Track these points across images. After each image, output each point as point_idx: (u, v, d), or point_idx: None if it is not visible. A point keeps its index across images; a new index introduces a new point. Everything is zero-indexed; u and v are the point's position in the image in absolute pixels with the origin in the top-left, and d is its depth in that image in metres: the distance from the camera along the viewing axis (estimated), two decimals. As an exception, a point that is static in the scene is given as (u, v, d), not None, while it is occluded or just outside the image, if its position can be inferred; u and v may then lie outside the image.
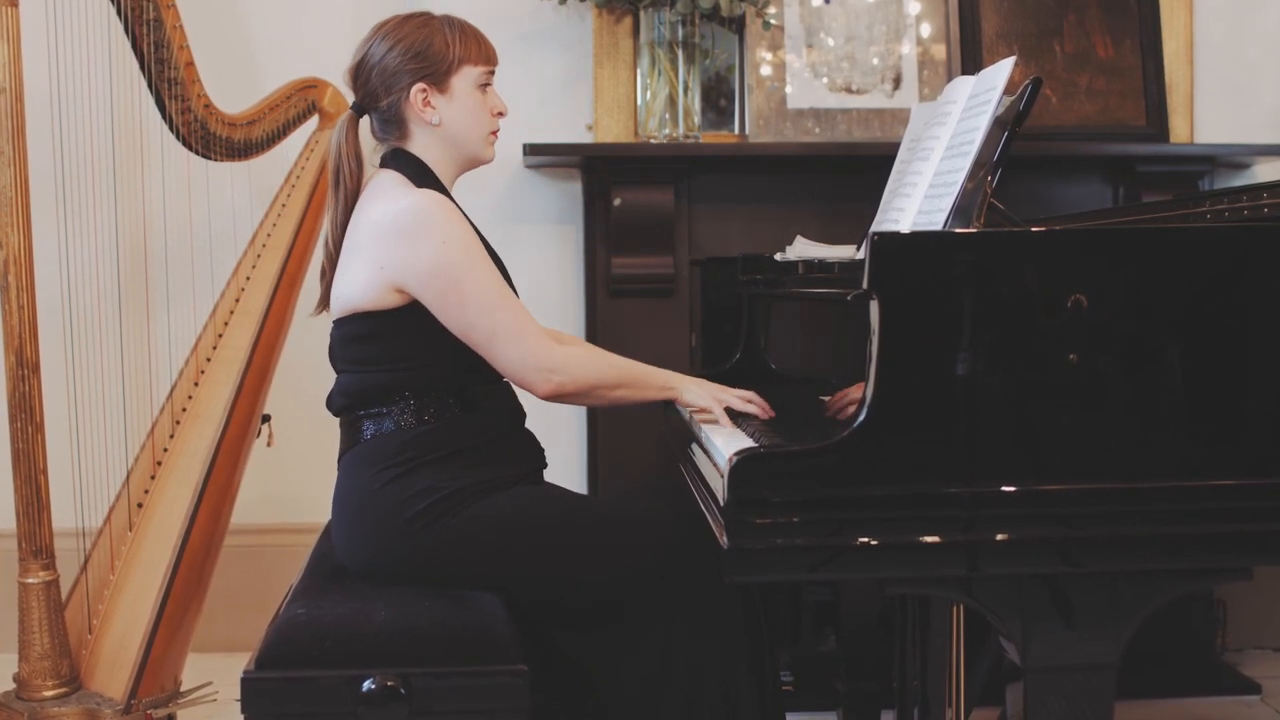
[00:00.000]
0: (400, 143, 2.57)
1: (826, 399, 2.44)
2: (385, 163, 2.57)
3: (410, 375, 2.43)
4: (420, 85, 2.50)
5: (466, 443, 2.42)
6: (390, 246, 2.38)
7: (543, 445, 2.61)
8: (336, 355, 2.53)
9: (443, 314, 2.39)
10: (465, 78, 2.52)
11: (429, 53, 2.50)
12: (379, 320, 2.42)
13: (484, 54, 2.56)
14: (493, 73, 2.58)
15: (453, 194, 2.56)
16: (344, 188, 2.55)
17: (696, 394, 2.51)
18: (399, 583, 2.38)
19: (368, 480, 2.40)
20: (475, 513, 2.36)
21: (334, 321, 2.52)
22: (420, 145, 2.55)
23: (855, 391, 2.32)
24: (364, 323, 2.44)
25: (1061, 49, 3.75)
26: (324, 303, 2.59)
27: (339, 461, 2.51)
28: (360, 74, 2.55)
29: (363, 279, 2.42)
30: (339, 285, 2.48)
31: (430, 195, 2.43)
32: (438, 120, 2.52)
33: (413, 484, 2.37)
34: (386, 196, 2.45)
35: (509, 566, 2.38)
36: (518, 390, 2.55)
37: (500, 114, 2.60)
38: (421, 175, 2.52)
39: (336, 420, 2.55)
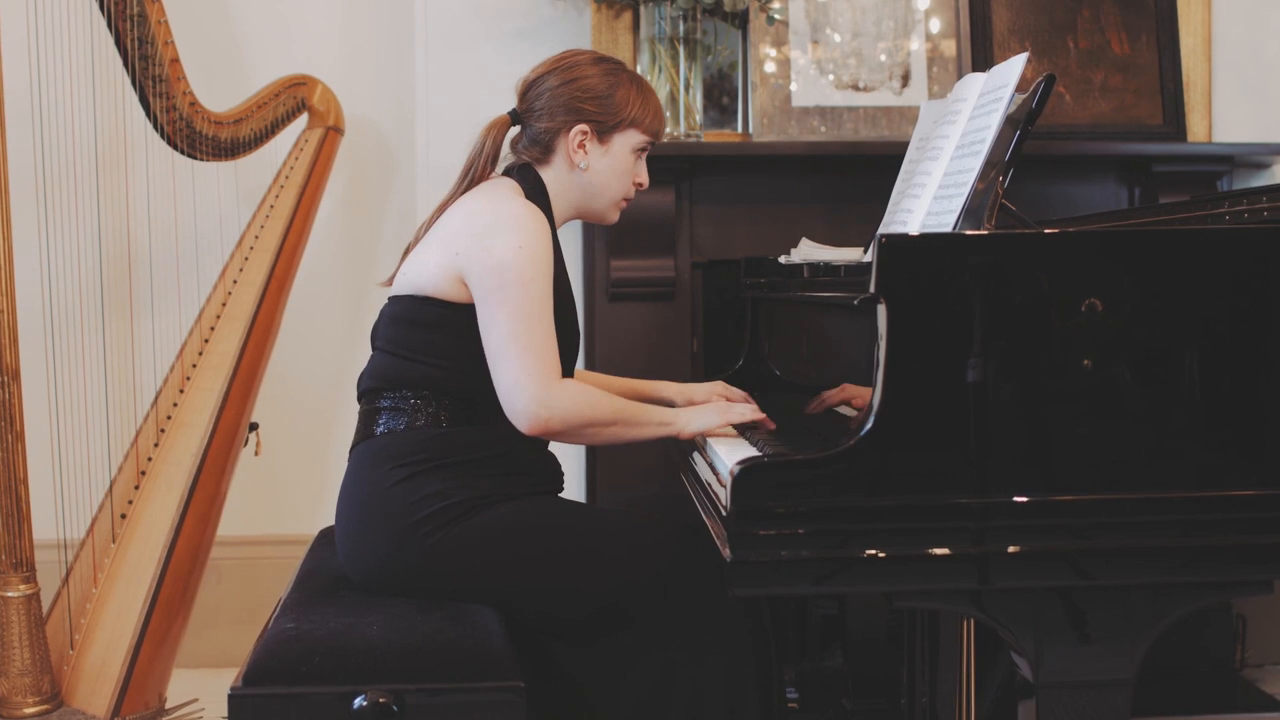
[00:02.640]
0: (536, 165, 2.63)
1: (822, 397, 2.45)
2: (510, 173, 2.64)
3: (438, 374, 2.45)
4: (583, 127, 2.56)
5: (482, 453, 2.44)
6: (471, 237, 2.44)
7: (559, 464, 2.63)
8: (379, 332, 2.57)
9: (480, 310, 2.42)
10: (628, 139, 2.60)
11: (607, 102, 2.57)
12: (432, 308, 2.46)
13: (655, 125, 2.63)
14: (652, 144, 2.65)
15: (557, 232, 2.61)
16: (468, 183, 2.62)
17: (701, 424, 2.52)
18: (398, 587, 2.39)
19: (379, 477, 2.42)
20: (481, 521, 2.37)
21: (389, 297, 2.57)
22: (553, 177, 2.62)
23: (851, 392, 2.33)
24: (417, 306, 2.48)
25: (1075, 45, 3.76)
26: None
27: (351, 451, 2.54)
28: (531, 90, 2.62)
29: (434, 262, 2.47)
30: (410, 264, 2.54)
31: (533, 208, 2.49)
32: (585, 165, 2.58)
33: (423, 487, 2.39)
34: (495, 197, 2.52)
35: (510, 575, 2.38)
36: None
37: (640, 185, 2.67)
38: (536, 196, 2.57)
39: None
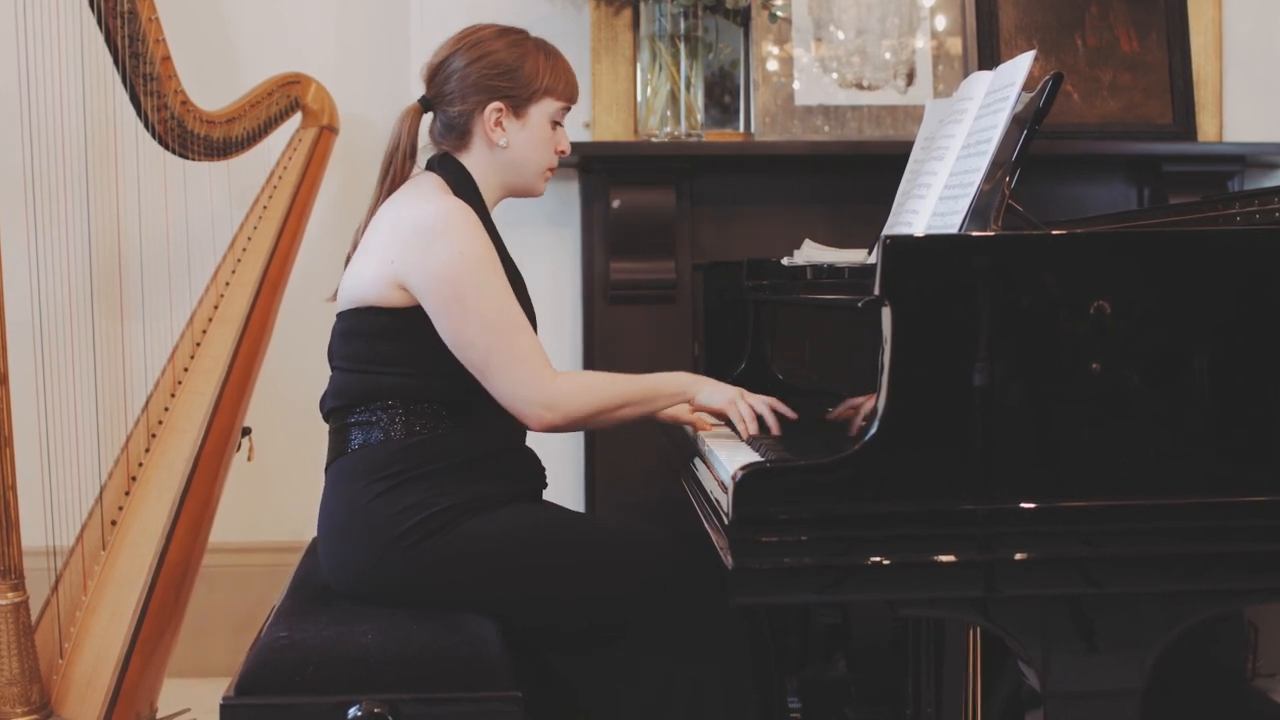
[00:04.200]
0: (456, 151, 2.61)
1: (831, 410, 2.45)
2: (431, 165, 2.62)
3: (402, 381, 2.44)
4: (497, 104, 2.54)
5: (459, 457, 2.43)
6: (405, 244, 2.42)
7: (540, 461, 2.62)
8: (334, 351, 2.56)
9: (442, 326, 2.40)
10: (544, 108, 2.58)
11: (517, 75, 2.55)
12: (379, 317, 2.45)
13: (569, 90, 2.62)
14: (568, 110, 2.64)
15: (491, 215, 2.59)
16: (390, 180, 2.60)
17: (712, 394, 2.51)
18: (387, 603, 2.38)
19: (357, 493, 2.40)
20: (468, 530, 2.37)
21: (337, 314, 2.56)
22: (475, 160, 2.60)
23: (865, 403, 2.33)
24: (364, 318, 2.47)
25: (1083, 43, 3.76)
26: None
27: (326, 471, 2.52)
28: (438, 74, 2.60)
29: (371, 272, 2.45)
30: (348, 276, 2.52)
31: (459, 204, 2.47)
32: (505, 143, 2.57)
33: (403, 498, 2.38)
34: (419, 197, 2.49)
35: (502, 586, 2.38)
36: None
37: (562, 152, 2.65)
38: (463, 187, 2.55)
39: (321, 433, 2.55)
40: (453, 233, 2.40)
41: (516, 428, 2.56)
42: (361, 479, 2.41)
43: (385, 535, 2.36)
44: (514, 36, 2.59)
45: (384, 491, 2.38)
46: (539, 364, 2.42)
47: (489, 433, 2.48)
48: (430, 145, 2.66)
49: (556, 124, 2.62)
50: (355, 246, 2.58)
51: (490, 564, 2.37)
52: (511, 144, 2.57)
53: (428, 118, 2.65)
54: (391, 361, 2.44)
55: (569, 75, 2.62)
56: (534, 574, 2.38)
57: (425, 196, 2.48)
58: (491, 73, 2.54)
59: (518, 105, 2.55)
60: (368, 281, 2.45)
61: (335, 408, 2.51)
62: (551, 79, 2.57)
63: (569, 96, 2.61)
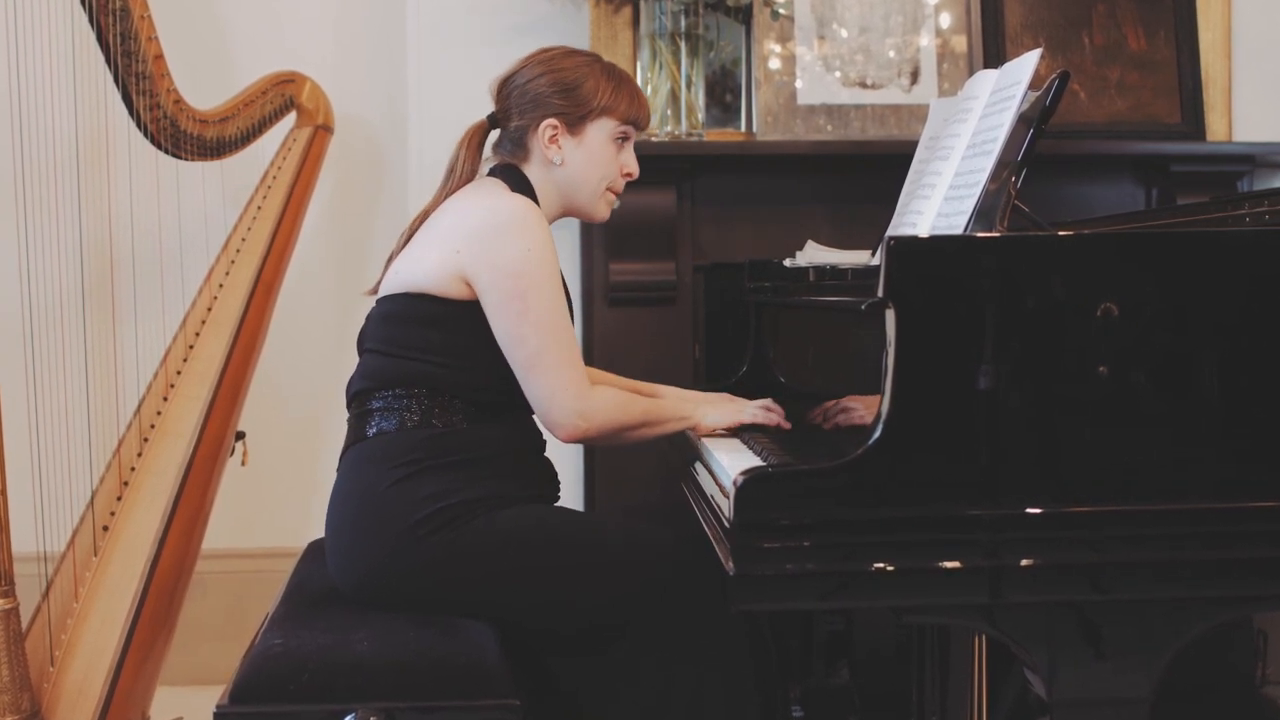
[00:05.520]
0: (519, 164, 2.65)
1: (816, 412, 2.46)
2: (494, 173, 2.65)
3: (434, 371, 2.45)
4: (551, 121, 2.58)
5: (476, 453, 2.44)
6: (475, 237, 2.44)
7: (555, 470, 2.64)
8: (368, 334, 2.58)
9: (499, 319, 2.43)
10: (602, 127, 2.60)
11: (576, 93, 2.58)
12: (430, 305, 2.47)
13: (632, 112, 2.63)
14: (631, 132, 2.65)
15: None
16: (450, 185, 2.64)
17: (716, 418, 2.60)
18: (391, 595, 2.39)
19: (373, 479, 2.42)
20: (478, 526, 2.38)
21: (378, 299, 2.57)
22: (535, 175, 2.64)
23: (848, 402, 2.33)
24: (414, 303, 2.48)
25: (1090, 41, 3.76)
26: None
27: (341, 458, 2.53)
28: (504, 89, 2.65)
29: (433, 261, 2.47)
30: (402, 263, 2.54)
31: (528, 202, 2.51)
32: (560, 160, 2.60)
33: (420, 488, 2.39)
34: (486, 195, 2.54)
35: (506, 584, 2.39)
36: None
37: (629, 175, 2.67)
38: (524, 193, 2.58)
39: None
40: (523, 229, 2.44)
41: (535, 434, 2.57)
42: (381, 464, 2.42)
43: (398, 525, 2.37)
44: (583, 57, 2.64)
45: (401, 479, 2.39)
46: (581, 373, 2.46)
47: (508, 434, 2.50)
48: (492, 157, 2.70)
49: (622, 145, 2.64)
50: (402, 245, 2.60)
51: (495, 562, 2.37)
52: (567, 161, 2.60)
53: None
54: (431, 350, 2.46)
55: (634, 96, 2.64)
56: (535, 574, 2.39)
57: (492, 195, 2.53)
58: (550, 89, 2.58)
59: (573, 123, 2.59)
60: (425, 268, 2.48)
61: (360, 390, 2.53)
62: (612, 99, 2.59)
63: (631, 118, 2.63)
